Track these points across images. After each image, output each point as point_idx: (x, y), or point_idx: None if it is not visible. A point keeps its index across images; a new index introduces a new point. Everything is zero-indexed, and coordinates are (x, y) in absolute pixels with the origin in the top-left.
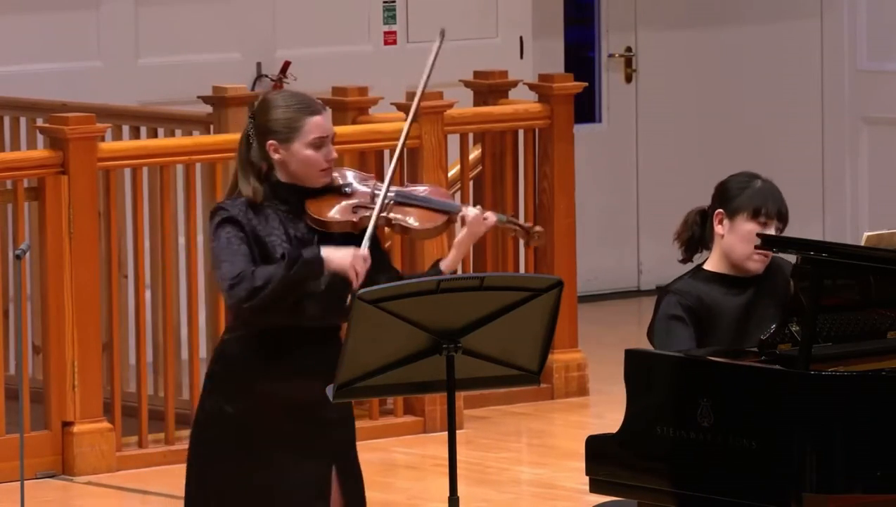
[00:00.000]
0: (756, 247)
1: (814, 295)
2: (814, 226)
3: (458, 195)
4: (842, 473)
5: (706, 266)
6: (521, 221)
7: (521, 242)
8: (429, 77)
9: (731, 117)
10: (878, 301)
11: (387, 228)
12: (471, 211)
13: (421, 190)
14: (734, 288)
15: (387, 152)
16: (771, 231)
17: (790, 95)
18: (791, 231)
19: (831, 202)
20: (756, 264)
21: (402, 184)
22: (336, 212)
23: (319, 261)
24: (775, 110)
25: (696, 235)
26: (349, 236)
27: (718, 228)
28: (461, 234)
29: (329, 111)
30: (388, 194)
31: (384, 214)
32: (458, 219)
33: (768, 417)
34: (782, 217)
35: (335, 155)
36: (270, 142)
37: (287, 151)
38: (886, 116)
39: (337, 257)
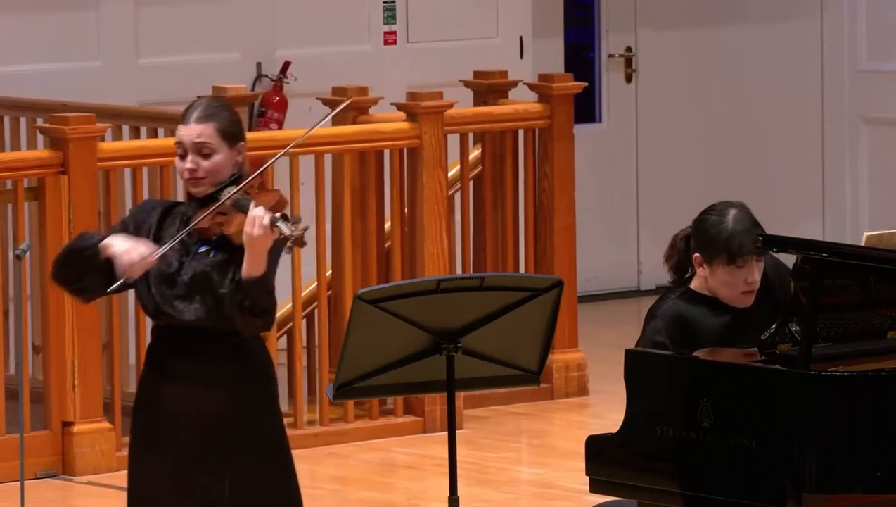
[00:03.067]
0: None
1: (814, 295)
2: (814, 226)
3: (457, 196)
4: (842, 473)
5: (693, 286)
6: (290, 226)
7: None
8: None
9: (731, 117)
10: (878, 301)
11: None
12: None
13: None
14: (720, 309)
15: (387, 152)
16: (753, 269)
17: (790, 95)
18: (791, 231)
19: (831, 202)
20: (744, 301)
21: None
22: (199, 220)
23: (96, 240)
24: (775, 110)
25: (682, 260)
26: (229, 243)
27: (700, 271)
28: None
29: (206, 121)
30: (226, 201)
31: (214, 219)
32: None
33: (768, 417)
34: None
35: (203, 166)
36: None
37: None
38: (886, 116)
39: (117, 244)
